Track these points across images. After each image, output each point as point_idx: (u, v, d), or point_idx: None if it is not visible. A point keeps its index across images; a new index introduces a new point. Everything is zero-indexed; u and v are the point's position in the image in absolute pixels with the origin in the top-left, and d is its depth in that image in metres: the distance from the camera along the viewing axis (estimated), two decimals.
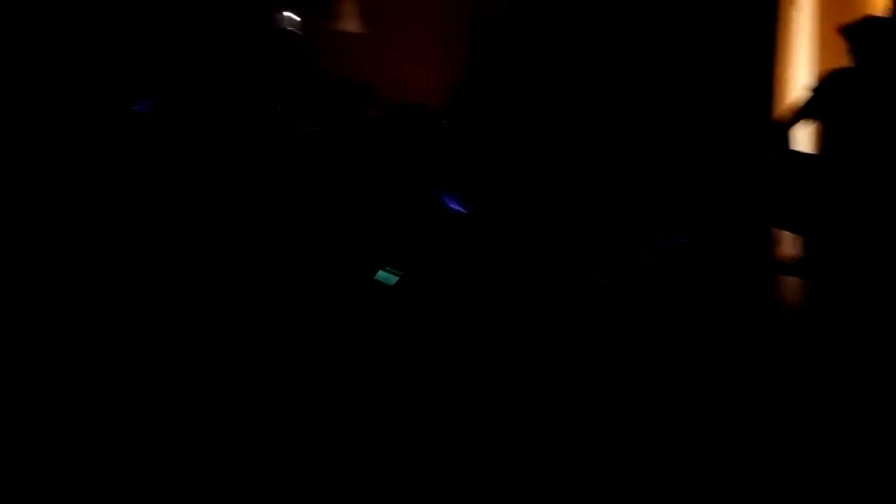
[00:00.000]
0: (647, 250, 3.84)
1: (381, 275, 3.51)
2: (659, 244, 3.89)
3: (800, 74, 4.65)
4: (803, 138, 3.94)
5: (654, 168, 4.40)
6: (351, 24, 5.37)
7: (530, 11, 4.65)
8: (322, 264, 3.79)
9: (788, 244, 4.06)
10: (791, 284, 4.12)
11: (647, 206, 4.12)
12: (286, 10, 4.98)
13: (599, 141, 4.29)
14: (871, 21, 3.55)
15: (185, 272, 3.85)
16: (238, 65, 4.56)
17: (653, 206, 4.14)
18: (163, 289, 3.78)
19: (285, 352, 3.45)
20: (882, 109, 3.50)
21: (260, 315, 3.64)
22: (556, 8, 4.71)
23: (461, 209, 3.69)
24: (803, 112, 3.72)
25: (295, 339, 3.49)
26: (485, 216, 3.83)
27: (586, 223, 3.87)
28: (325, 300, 3.69)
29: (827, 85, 3.68)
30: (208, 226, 4.00)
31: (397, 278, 3.50)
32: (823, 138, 3.70)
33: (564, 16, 4.61)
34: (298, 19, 4.99)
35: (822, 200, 3.68)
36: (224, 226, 3.99)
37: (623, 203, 4.07)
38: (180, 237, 3.97)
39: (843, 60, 3.62)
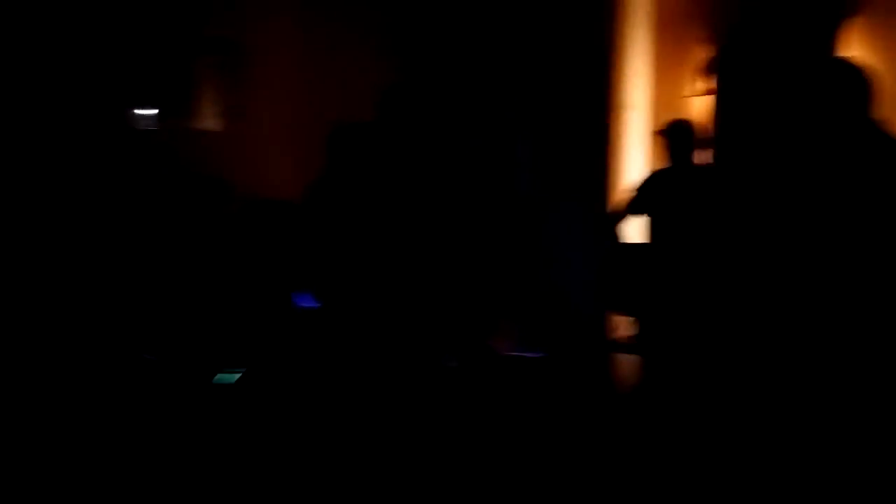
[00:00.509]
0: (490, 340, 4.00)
1: (221, 377, 3.55)
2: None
3: (631, 171, 5.08)
4: (634, 229, 4.28)
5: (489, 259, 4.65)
6: (210, 122, 5.51)
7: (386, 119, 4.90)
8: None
9: (624, 327, 4.32)
10: (627, 363, 4.38)
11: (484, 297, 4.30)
12: (144, 108, 5.05)
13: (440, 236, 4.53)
14: (678, 124, 4.01)
15: None
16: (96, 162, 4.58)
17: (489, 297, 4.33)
18: None
19: None
20: (695, 200, 3.88)
21: None
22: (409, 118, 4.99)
23: (312, 304, 3.77)
24: (631, 206, 4.09)
25: None
26: (335, 310, 3.90)
27: (432, 310, 4.00)
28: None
29: (650, 182, 4.08)
30: None
31: (237, 377, 3.54)
32: (651, 228, 4.06)
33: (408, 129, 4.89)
34: (155, 117, 5.07)
35: (652, 286, 3.98)
36: None
37: (464, 292, 4.24)
38: None
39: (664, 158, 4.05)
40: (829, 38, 4.51)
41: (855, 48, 4.48)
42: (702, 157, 4.14)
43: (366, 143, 4.35)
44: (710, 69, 4.95)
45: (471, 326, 4.03)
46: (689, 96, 5.07)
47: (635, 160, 5.20)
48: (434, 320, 4.04)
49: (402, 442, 3.47)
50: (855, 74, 2.79)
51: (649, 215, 4.05)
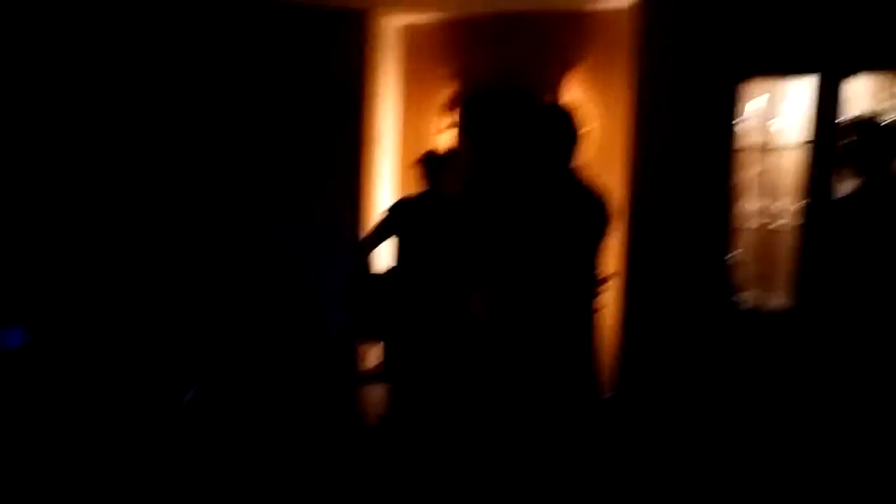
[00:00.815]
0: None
1: None
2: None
3: (382, 200, 5.27)
4: (385, 255, 4.43)
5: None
6: None
7: None
8: None
9: (372, 355, 4.42)
10: (374, 392, 4.53)
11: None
12: None
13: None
14: (433, 154, 4.22)
15: None
16: None
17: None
18: None
19: None
20: (445, 227, 4.09)
21: None
22: None
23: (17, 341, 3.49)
24: (380, 232, 4.22)
25: None
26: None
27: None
28: None
29: (396, 209, 4.23)
30: None
31: None
32: (398, 254, 4.23)
33: None
34: None
35: (398, 313, 4.11)
36: None
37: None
38: None
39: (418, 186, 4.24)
40: (552, 87, 5.03)
41: (576, 93, 5.04)
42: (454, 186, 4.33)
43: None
44: (453, 106, 5.28)
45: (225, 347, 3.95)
46: (435, 131, 5.36)
47: (386, 190, 5.39)
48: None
49: None
50: (559, 122, 3.26)
51: (397, 241, 4.20)
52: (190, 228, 4.83)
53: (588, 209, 3.23)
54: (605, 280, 3.82)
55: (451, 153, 4.30)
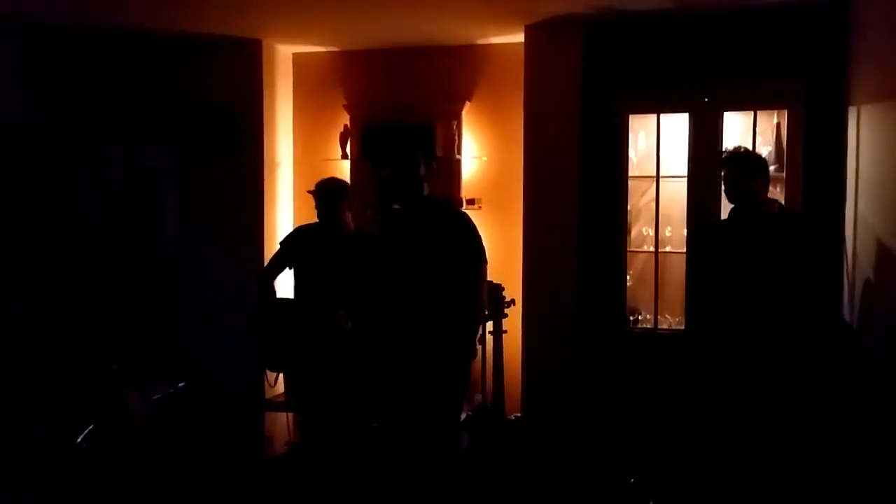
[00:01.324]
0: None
1: None
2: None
3: (281, 227, 5.15)
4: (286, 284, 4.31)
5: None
6: None
7: None
8: None
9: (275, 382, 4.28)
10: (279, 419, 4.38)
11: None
12: None
13: None
14: (327, 183, 4.17)
15: None
16: None
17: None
18: None
19: None
20: (339, 255, 4.05)
21: None
22: None
23: None
24: (276, 262, 4.14)
25: None
26: None
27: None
28: None
29: (293, 237, 4.17)
30: None
31: None
32: (295, 282, 4.15)
33: None
34: None
35: (296, 341, 4.02)
36: None
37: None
38: None
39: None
40: (450, 118, 5.15)
41: (473, 123, 5.18)
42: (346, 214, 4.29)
43: None
44: (348, 136, 5.27)
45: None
46: (329, 159, 5.31)
47: (285, 216, 5.27)
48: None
49: None
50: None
51: (294, 270, 4.13)
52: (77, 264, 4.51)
53: (467, 237, 3.56)
54: (502, 304, 3.96)
55: (342, 183, 4.26)
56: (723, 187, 3.73)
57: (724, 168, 3.70)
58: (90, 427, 3.43)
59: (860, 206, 4.07)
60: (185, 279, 5.01)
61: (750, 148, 4.20)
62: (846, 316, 4.10)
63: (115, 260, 4.75)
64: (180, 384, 3.94)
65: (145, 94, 5.26)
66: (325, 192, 4.11)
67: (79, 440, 3.37)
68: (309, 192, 4.19)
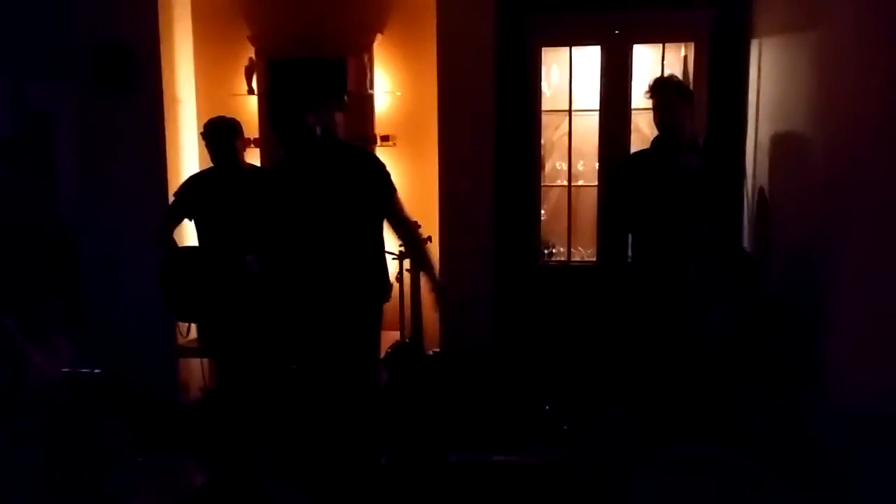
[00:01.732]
0: None
1: None
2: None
3: (186, 168, 4.95)
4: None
5: None
6: None
7: None
8: None
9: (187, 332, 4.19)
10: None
11: None
12: None
13: None
14: (216, 123, 4.02)
15: None
16: None
17: None
18: None
19: None
20: (231, 200, 3.94)
21: None
22: None
23: None
24: (173, 211, 4.01)
25: None
26: None
27: None
28: None
29: (189, 185, 4.04)
30: None
31: None
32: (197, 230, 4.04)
33: None
34: None
35: (203, 288, 3.92)
36: None
37: None
38: None
39: None
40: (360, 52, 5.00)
41: (385, 57, 5.06)
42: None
43: None
44: (253, 71, 5.07)
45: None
46: (235, 94, 5.11)
47: (189, 157, 5.06)
48: None
49: None
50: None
51: (195, 219, 4.01)
52: None
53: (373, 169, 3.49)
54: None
55: (232, 120, 4.09)
56: (654, 117, 3.68)
57: (656, 97, 3.63)
58: None
59: (760, 136, 4.22)
60: (87, 226, 4.77)
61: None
62: (745, 244, 4.29)
63: (8, 208, 4.48)
64: (95, 370, 3.81)
65: (33, 30, 4.90)
66: (216, 131, 3.98)
67: None
68: (200, 134, 4.06)
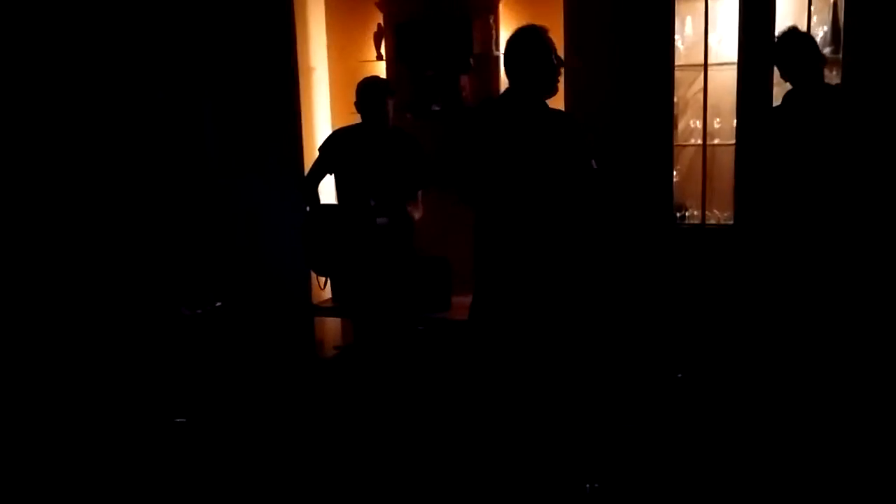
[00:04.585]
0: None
1: None
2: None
3: (320, 131, 5.09)
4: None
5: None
6: None
7: None
8: None
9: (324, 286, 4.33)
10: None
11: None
12: None
13: None
14: (371, 82, 4.06)
15: None
16: None
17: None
18: None
19: None
20: (380, 156, 3.99)
21: None
22: None
23: None
24: (317, 167, 4.10)
25: None
26: None
27: None
28: None
29: (333, 140, 4.12)
30: None
31: None
32: (337, 186, 4.13)
33: None
34: None
35: (345, 245, 4.02)
36: None
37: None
38: None
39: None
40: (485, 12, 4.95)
41: (510, 16, 4.98)
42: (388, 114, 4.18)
43: None
44: (382, 37, 5.12)
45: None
46: (364, 60, 5.20)
47: (322, 120, 5.21)
48: None
49: None
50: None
51: (335, 174, 4.09)
52: (121, 172, 4.50)
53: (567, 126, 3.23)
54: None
55: (385, 81, 4.16)
56: (778, 70, 3.58)
57: (784, 49, 3.56)
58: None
59: None
60: (232, 187, 4.97)
61: (805, 29, 3.98)
62: None
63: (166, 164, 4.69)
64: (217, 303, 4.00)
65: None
66: (372, 88, 4.01)
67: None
68: (355, 92, 4.07)
